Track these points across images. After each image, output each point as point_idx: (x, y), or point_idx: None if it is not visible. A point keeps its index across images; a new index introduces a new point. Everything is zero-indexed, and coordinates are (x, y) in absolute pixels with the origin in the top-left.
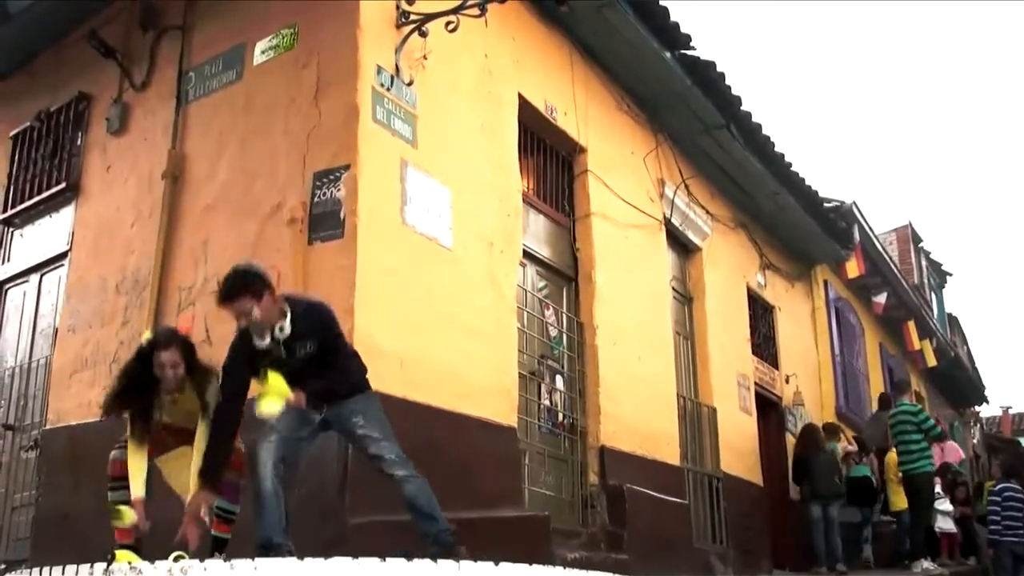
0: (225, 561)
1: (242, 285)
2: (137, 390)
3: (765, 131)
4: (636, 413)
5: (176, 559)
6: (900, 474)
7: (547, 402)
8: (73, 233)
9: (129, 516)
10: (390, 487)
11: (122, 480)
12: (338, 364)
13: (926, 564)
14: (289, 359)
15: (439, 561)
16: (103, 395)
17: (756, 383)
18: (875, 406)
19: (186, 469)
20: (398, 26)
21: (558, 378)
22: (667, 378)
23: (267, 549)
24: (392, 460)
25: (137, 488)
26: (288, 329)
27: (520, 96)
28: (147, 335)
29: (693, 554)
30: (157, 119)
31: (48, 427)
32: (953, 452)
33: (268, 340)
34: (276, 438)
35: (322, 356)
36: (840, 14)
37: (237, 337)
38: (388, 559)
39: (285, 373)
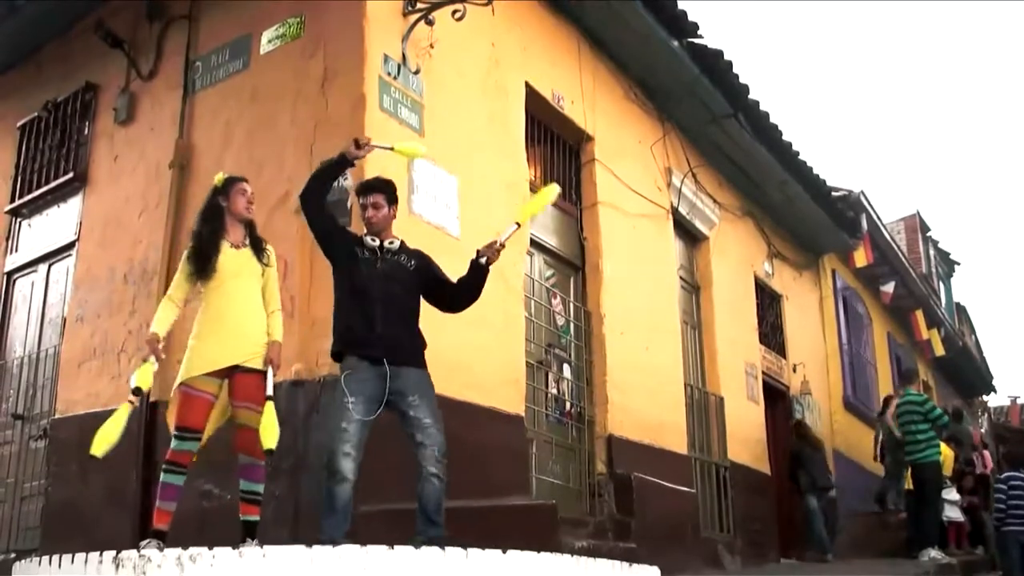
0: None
1: (387, 185)
2: (212, 238)
3: (773, 120)
4: (643, 402)
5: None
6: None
7: (555, 391)
8: (81, 223)
9: (145, 377)
10: (403, 476)
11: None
12: (418, 313)
13: (933, 553)
14: (386, 262)
15: (446, 549)
16: (111, 382)
17: (763, 372)
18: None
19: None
20: (405, 15)
21: (565, 367)
22: (674, 367)
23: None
24: (434, 455)
25: (159, 326)
26: (397, 244)
27: (527, 85)
28: (220, 176)
29: (701, 543)
30: (164, 109)
31: (57, 416)
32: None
33: (376, 242)
34: (351, 447)
35: (416, 283)
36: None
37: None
38: (396, 547)
39: (376, 277)
